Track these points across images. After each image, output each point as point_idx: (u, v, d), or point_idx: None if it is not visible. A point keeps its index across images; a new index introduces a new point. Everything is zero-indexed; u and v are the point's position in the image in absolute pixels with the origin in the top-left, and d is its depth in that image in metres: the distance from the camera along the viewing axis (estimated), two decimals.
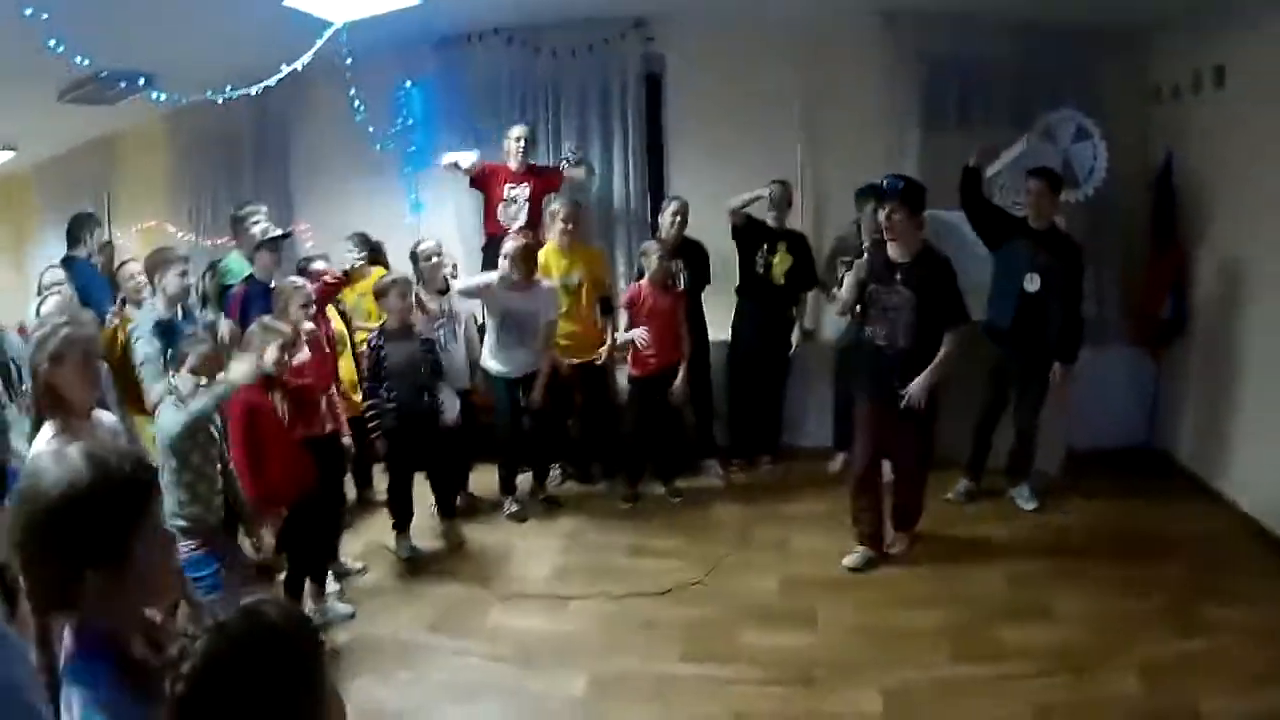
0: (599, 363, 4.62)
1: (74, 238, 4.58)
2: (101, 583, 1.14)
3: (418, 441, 3.91)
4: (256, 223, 4.29)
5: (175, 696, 0.96)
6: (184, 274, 3.71)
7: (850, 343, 4.23)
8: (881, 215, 3.59)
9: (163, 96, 3.93)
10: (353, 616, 3.46)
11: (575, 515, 4.44)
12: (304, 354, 3.36)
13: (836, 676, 2.99)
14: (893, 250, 3.61)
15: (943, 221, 4.37)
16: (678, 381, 4.44)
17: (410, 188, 5.33)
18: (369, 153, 4.97)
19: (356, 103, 4.43)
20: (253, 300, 3.85)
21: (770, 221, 4.68)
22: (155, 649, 1.17)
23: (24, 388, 2.75)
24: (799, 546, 4.02)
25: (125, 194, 6.46)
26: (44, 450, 2.01)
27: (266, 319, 3.23)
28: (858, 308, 3.81)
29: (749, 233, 4.65)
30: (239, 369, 2.80)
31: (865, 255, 3.81)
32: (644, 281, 4.39)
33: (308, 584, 3.40)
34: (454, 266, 4.75)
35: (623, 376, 4.66)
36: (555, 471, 4.82)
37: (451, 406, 4.09)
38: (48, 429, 2.19)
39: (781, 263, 4.66)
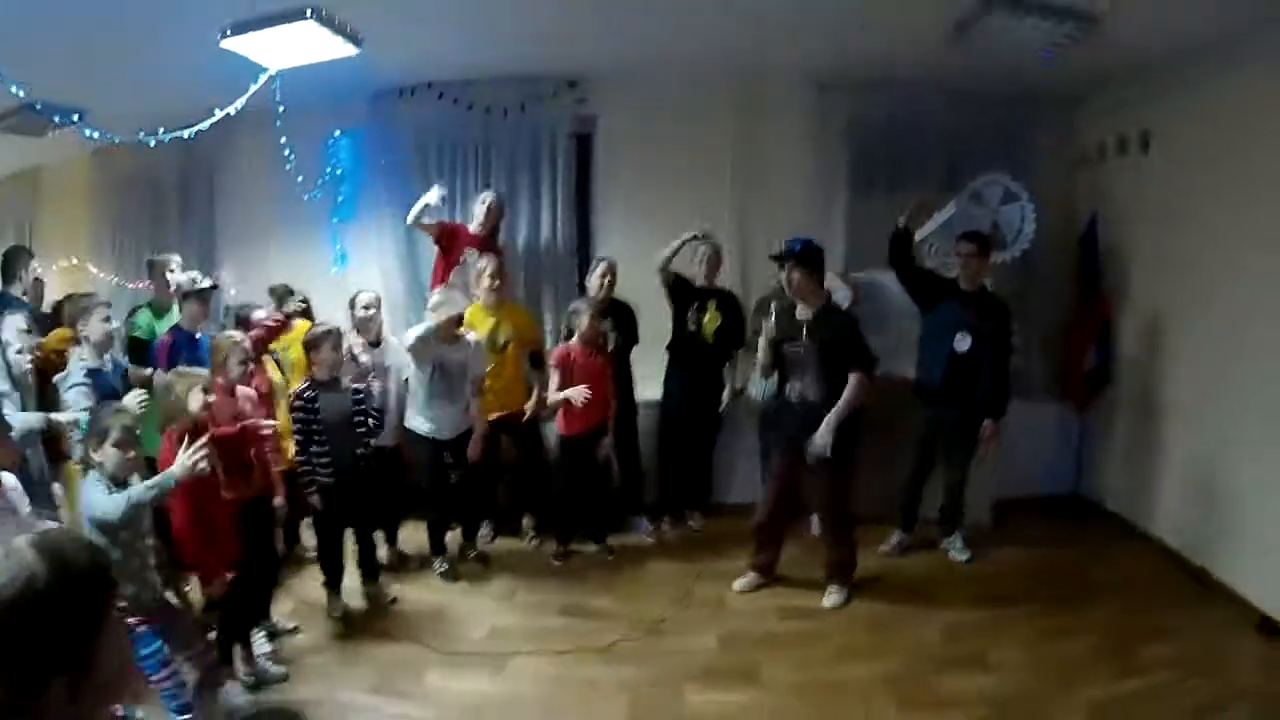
0: (525, 418, 4.54)
1: (9, 274, 4.35)
2: (65, 690, 0.99)
3: (351, 498, 3.76)
4: (172, 271, 4.18)
5: None
6: (107, 319, 3.61)
7: (769, 400, 4.23)
8: (782, 275, 3.78)
9: (96, 134, 3.80)
10: (286, 678, 3.30)
11: (507, 574, 4.30)
12: (243, 406, 3.27)
13: None
14: (799, 309, 3.77)
15: (875, 284, 4.48)
16: (604, 439, 4.41)
17: (335, 239, 5.23)
18: (296, 202, 4.87)
19: (287, 150, 4.36)
20: (179, 350, 3.78)
21: (700, 280, 4.66)
22: None
23: None
24: (735, 603, 3.97)
25: (46, 229, 6.19)
26: None
27: (181, 368, 3.16)
28: (774, 368, 3.90)
29: (679, 291, 4.63)
30: (182, 463, 2.62)
31: (773, 317, 3.87)
32: (574, 341, 4.31)
33: (237, 647, 3.25)
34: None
35: (552, 434, 4.56)
36: (486, 529, 4.68)
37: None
38: None
39: (712, 321, 4.64)
